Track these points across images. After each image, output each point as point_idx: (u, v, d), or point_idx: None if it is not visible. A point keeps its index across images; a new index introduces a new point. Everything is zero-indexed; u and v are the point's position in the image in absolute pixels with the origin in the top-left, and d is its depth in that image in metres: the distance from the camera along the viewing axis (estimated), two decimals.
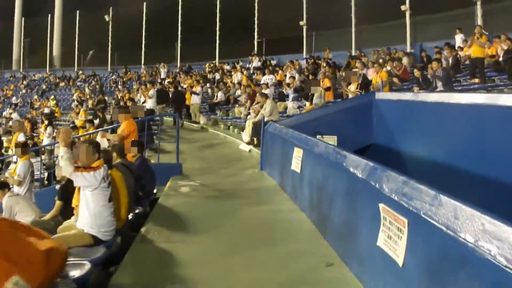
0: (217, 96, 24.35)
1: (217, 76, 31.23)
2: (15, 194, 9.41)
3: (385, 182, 3.94)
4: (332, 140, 9.68)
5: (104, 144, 10.36)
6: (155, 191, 9.59)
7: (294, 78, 20.32)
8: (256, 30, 38.63)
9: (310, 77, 19.20)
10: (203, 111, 23.56)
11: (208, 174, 11.86)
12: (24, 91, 46.47)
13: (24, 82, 49.05)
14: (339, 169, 5.31)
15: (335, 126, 10.60)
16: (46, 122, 20.65)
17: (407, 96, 10.49)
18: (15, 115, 31.79)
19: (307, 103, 15.98)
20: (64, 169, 6.24)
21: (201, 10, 42.45)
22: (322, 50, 30.17)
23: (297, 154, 7.75)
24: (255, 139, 14.18)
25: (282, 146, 9.29)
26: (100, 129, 13.97)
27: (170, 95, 22.52)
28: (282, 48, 36.14)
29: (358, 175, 4.65)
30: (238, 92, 22.58)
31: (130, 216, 7.37)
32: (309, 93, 16.21)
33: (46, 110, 31.28)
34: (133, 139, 9.94)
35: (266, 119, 13.44)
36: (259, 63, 32.19)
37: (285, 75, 23.11)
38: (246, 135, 14.99)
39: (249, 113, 17.45)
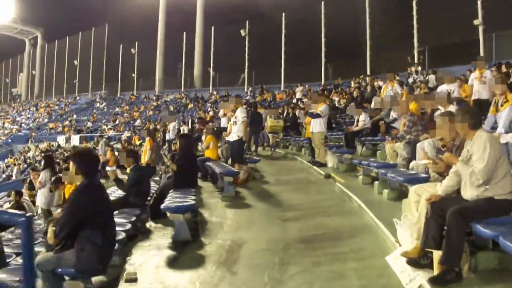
0: (357, 120, 14.29)
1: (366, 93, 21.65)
2: None
3: None
4: None
5: None
6: None
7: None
8: (415, 37, 29.43)
9: None
10: (333, 146, 13.59)
11: None
12: (151, 112, 40.08)
13: (154, 104, 43.68)
14: None
15: None
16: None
17: None
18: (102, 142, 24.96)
19: None
20: None
21: (347, 18, 33.80)
22: (507, 57, 20.29)
23: None
24: (436, 255, 4.39)
25: None
26: None
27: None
28: (450, 57, 25.61)
29: None
30: (394, 114, 12.48)
31: None
32: None
33: None
34: None
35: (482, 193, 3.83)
36: (421, 76, 22.13)
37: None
38: (409, 233, 5.03)
39: (408, 159, 7.55)
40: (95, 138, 36.90)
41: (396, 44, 30.83)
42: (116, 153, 17.57)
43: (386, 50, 31.21)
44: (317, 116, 12.37)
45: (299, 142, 17.50)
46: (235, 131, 11.98)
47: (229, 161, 12.92)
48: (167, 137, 20.06)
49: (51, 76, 62.96)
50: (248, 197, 9.75)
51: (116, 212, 7.70)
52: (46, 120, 51.99)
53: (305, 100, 23.08)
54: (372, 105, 15.33)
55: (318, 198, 9.24)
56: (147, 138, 14.89)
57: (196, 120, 24.51)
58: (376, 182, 8.71)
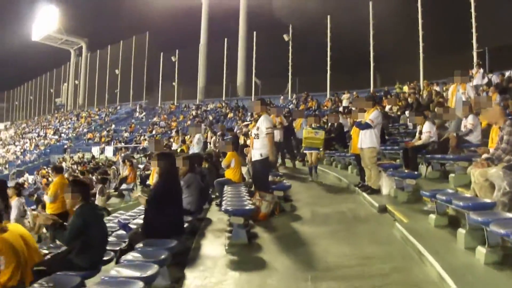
0: (420, 132, 10.90)
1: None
2: None
3: None
4: None
5: None
6: None
7: None
8: (474, 37, 26.21)
9: None
10: (389, 166, 10.14)
11: None
12: (189, 122, 37.83)
13: (193, 113, 41.50)
14: None
15: None
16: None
17: None
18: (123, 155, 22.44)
19: None
20: None
21: (397, 19, 30.65)
22: None
23: None
24: None
25: None
26: None
27: None
28: None
29: None
30: (468, 125, 9.29)
31: None
32: None
33: (174, 147, 20.46)
34: None
35: None
36: (485, 80, 19.48)
37: None
38: None
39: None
40: (129, 149, 34.59)
41: (452, 46, 27.36)
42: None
43: (440, 52, 27.62)
44: (366, 126, 9.13)
45: (345, 157, 14.17)
46: (257, 147, 8.75)
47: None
48: (191, 151, 16.90)
49: (94, 86, 62.04)
50: (266, 246, 6.55)
51: (47, 279, 4.70)
52: (85, 130, 50.50)
53: (353, 108, 19.98)
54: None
55: (370, 252, 5.96)
56: None
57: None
58: (462, 231, 5.44)
